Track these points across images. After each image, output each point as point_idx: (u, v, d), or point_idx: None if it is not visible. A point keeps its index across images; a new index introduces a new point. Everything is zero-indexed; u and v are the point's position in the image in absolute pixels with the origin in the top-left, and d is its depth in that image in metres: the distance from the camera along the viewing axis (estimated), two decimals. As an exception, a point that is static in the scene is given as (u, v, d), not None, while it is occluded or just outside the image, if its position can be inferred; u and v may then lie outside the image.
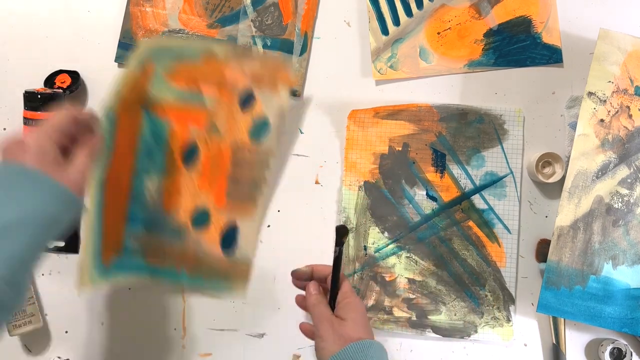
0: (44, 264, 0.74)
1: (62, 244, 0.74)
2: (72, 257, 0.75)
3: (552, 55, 0.73)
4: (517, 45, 0.73)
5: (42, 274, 0.74)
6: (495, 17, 0.73)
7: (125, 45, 0.74)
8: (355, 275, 0.73)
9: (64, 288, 0.74)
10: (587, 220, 0.69)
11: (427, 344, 0.74)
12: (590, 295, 0.69)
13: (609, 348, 0.70)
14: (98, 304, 0.74)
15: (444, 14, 0.74)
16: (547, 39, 0.74)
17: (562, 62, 0.74)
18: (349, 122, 0.75)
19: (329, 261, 0.75)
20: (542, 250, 0.73)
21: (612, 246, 0.70)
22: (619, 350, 0.71)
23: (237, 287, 0.70)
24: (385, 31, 0.74)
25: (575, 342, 0.73)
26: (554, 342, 0.72)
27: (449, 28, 0.73)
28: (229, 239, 0.70)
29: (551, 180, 0.72)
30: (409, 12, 0.74)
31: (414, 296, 0.73)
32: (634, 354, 0.71)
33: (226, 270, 0.70)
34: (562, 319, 0.72)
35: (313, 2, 0.75)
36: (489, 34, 0.74)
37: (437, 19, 0.74)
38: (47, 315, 0.74)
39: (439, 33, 0.74)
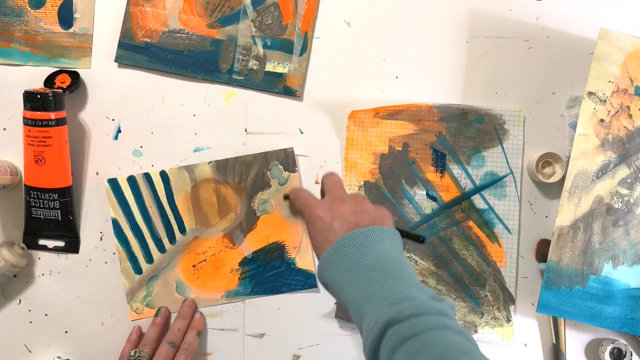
0: (44, 264, 0.74)
1: (62, 244, 0.74)
2: (72, 257, 0.75)
3: (306, 281, 0.73)
4: (272, 272, 0.73)
5: (42, 274, 0.74)
6: (249, 245, 0.73)
7: (125, 45, 0.74)
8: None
9: (64, 288, 0.74)
10: (587, 220, 0.69)
11: (427, 344, 0.74)
12: (590, 295, 0.69)
13: (609, 348, 0.70)
14: (98, 303, 0.74)
15: (198, 246, 0.74)
16: (300, 264, 0.73)
17: (316, 287, 0.74)
18: (349, 122, 0.75)
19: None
20: (542, 250, 0.73)
21: (612, 246, 0.70)
22: (619, 350, 0.71)
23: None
24: (138, 270, 0.73)
25: (575, 342, 0.73)
26: (554, 342, 0.72)
27: (204, 260, 0.73)
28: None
29: (551, 180, 0.72)
30: (161, 248, 0.74)
31: (414, 296, 0.73)
32: (634, 354, 0.71)
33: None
34: (562, 319, 0.72)
35: (313, 2, 0.75)
36: (244, 262, 0.73)
37: (191, 251, 0.74)
38: (47, 315, 0.74)
39: (194, 266, 0.73)
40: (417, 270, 0.73)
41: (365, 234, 0.53)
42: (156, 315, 0.72)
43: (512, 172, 0.73)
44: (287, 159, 0.74)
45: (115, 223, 0.74)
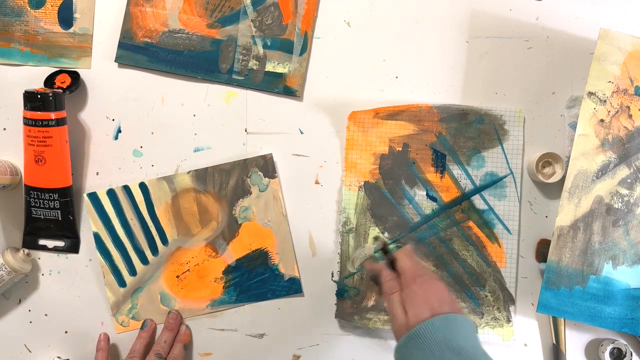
0: (44, 264, 0.74)
1: (62, 244, 0.74)
2: (72, 257, 0.75)
3: (291, 286, 0.73)
4: (256, 279, 0.73)
5: (42, 274, 0.75)
6: (232, 253, 0.73)
7: (125, 45, 0.74)
8: (355, 275, 0.73)
9: (64, 288, 0.74)
10: (587, 220, 0.69)
11: (427, 344, 0.74)
12: (590, 295, 0.69)
13: (609, 348, 0.70)
14: (98, 303, 0.74)
15: (181, 257, 0.74)
16: (284, 269, 0.73)
17: (302, 292, 0.74)
18: (349, 122, 0.75)
19: (330, 258, 0.76)
20: (542, 250, 0.73)
21: (612, 246, 0.70)
22: (619, 350, 0.71)
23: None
24: (122, 283, 0.73)
25: (575, 342, 0.73)
26: (554, 342, 0.72)
27: (188, 270, 0.73)
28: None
29: (551, 180, 0.72)
30: (144, 260, 0.73)
31: (414, 296, 0.73)
32: (634, 354, 0.71)
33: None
34: (562, 319, 0.72)
35: (313, 2, 0.75)
36: (228, 270, 0.73)
37: (174, 262, 0.73)
38: (47, 315, 0.74)
39: (178, 276, 0.73)
40: (417, 271, 0.73)
41: (452, 320, 0.55)
42: (142, 328, 0.73)
43: (512, 173, 0.73)
44: (267, 165, 0.73)
45: (97, 237, 0.73)
